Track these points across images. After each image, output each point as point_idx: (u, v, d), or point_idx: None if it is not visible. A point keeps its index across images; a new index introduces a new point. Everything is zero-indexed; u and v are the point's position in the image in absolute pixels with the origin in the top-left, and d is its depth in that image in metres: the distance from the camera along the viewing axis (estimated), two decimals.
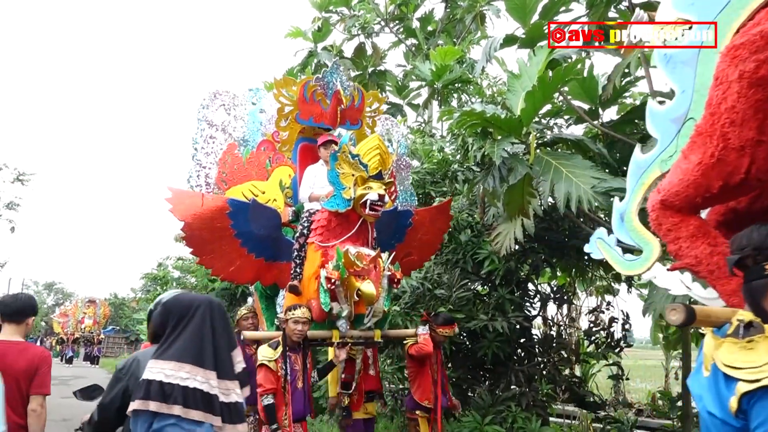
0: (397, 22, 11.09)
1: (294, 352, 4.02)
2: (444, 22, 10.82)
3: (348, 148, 4.12)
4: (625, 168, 5.39)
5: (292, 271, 4.39)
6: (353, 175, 4.11)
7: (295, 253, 4.41)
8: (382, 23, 11.06)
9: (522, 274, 6.68)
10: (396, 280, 4.19)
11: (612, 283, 7.56)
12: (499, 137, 4.49)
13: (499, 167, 4.29)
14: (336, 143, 4.66)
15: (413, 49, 10.84)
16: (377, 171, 4.13)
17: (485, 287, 6.62)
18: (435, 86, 8.02)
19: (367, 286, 3.89)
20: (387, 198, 4.23)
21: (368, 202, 4.07)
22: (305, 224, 4.44)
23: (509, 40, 5.21)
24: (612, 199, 4.45)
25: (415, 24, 10.94)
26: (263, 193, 4.85)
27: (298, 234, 4.44)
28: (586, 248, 2.71)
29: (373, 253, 4.02)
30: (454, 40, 10.25)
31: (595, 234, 2.62)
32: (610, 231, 5.47)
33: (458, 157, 6.66)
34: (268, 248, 4.48)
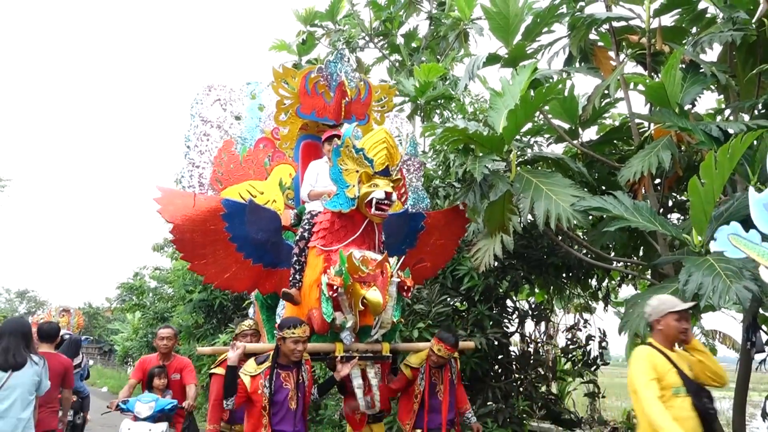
0: (381, 37, 11.16)
1: (285, 370, 3.61)
2: (428, 39, 10.92)
3: (351, 142, 3.79)
4: (603, 187, 5.48)
5: (290, 278, 4.07)
6: (357, 171, 3.79)
7: (295, 258, 4.08)
8: (367, 38, 11.12)
9: (501, 290, 6.70)
10: (406, 287, 3.79)
11: (589, 301, 7.62)
12: (481, 154, 4.51)
13: (481, 183, 4.31)
14: (323, 141, 4.40)
15: (397, 64, 10.90)
16: (384, 167, 3.82)
17: (464, 303, 6.62)
18: (418, 102, 8.05)
19: (373, 294, 3.53)
20: (395, 196, 3.89)
21: (374, 200, 3.75)
22: (306, 226, 4.12)
23: (492, 59, 5.26)
24: (590, 217, 4.54)
25: (399, 40, 11.01)
26: (262, 193, 4.60)
27: (298, 237, 4.11)
28: (713, 246, 2.55)
29: (379, 257, 3.68)
30: (438, 57, 10.34)
31: (725, 230, 2.48)
32: (587, 250, 5.46)
33: (440, 173, 6.69)
34: (266, 253, 4.16)
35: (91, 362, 5.61)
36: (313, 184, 4.34)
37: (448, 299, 6.26)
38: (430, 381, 4.22)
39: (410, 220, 4.59)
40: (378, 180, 3.77)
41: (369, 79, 4.90)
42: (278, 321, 4.18)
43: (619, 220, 3.75)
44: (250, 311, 5.49)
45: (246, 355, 4.24)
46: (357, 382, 3.94)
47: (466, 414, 4.45)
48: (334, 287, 3.58)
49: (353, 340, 3.83)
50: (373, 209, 3.76)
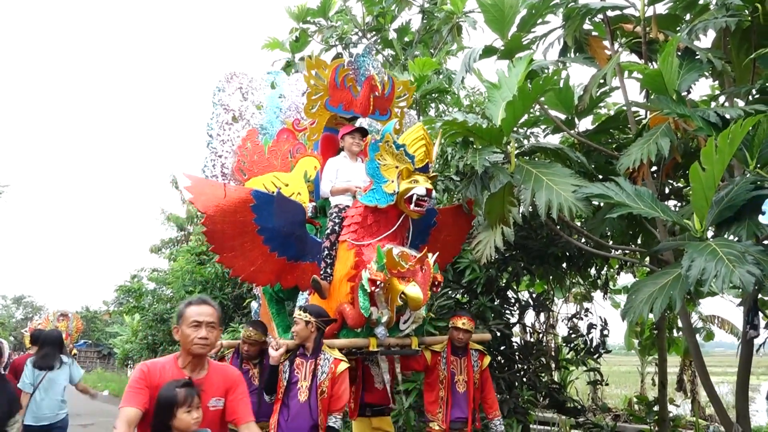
0: (374, 33, 11.15)
1: (302, 358, 3.64)
2: (421, 33, 10.91)
3: (392, 138, 3.81)
4: (601, 177, 5.50)
5: (321, 272, 4.06)
6: (397, 167, 3.81)
7: (326, 252, 4.07)
8: (360, 34, 11.10)
9: (502, 282, 6.73)
10: (436, 283, 3.83)
11: (590, 291, 7.66)
12: (480, 146, 4.52)
13: (481, 176, 4.31)
14: (361, 132, 4.37)
15: (390, 59, 10.89)
16: (424, 163, 3.85)
17: (465, 296, 6.65)
18: (413, 96, 8.08)
19: (413, 290, 3.53)
20: (434, 193, 3.97)
21: (414, 197, 3.77)
22: (336, 220, 4.13)
23: (488, 52, 5.26)
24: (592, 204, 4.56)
25: (392, 35, 11.01)
26: (287, 185, 4.53)
27: (329, 231, 4.11)
28: (763, 219, 2.62)
29: (417, 253, 3.70)
30: (431, 51, 10.33)
31: None
32: (587, 239, 5.48)
33: (437, 166, 6.69)
34: (291, 246, 4.14)
35: (80, 372, 5.59)
36: (333, 180, 4.33)
37: (450, 292, 6.28)
38: (450, 370, 4.24)
39: (424, 216, 4.56)
40: (418, 176, 3.81)
41: (393, 75, 4.92)
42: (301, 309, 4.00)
43: (621, 206, 3.76)
44: (254, 305, 5.45)
45: (246, 358, 4.27)
46: (385, 377, 4.04)
47: (494, 421, 4.36)
48: (377, 283, 3.57)
49: (387, 334, 3.85)
50: (412, 205, 3.79)
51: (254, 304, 5.46)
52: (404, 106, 4.98)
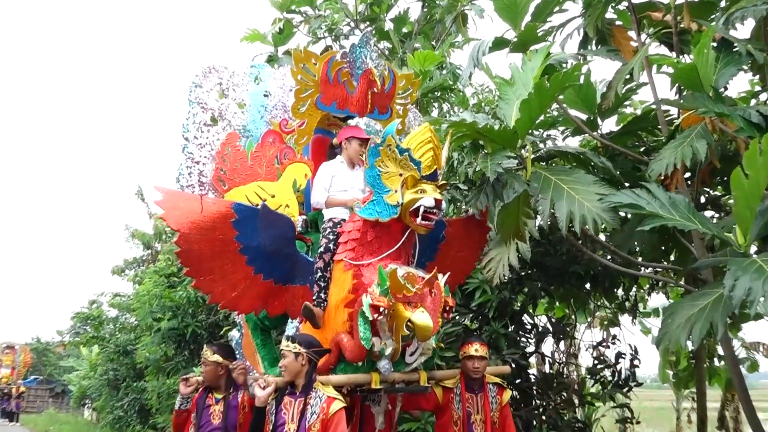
0: (368, 23, 11.22)
1: (291, 396, 3.63)
2: (421, 23, 10.99)
3: (394, 141, 3.76)
4: (627, 184, 5.54)
5: (314, 297, 4.00)
6: (401, 174, 3.76)
7: (319, 274, 4.01)
8: (352, 24, 11.17)
9: (516, 305, 6.72)
10: (448, 308, 3.75)
11: (617, 315, 7.67)
12: (491, 151, 4.55)
13: (493, 184, 4.33)
14: (361, 139, 4.32)
15: (387, 53, 10.96)
16: (432, 170, 3.81)
17: (475, 321, 6.64)
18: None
19: (421, 317, 3.48)
20: (444, 204, 3.88)
21: (421, 209, 3.72)
22: (330, 237, 4.07)
23: (499, 44, 5.33)
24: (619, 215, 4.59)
25: (389, 25, 11.07)
26: (273, 196, 4.47)
27: (322, 249, 4.05)
28: None
29: (425, 274, 3.64)
30: (433, 43, 10.41)
31: None
32: (613, 255, 5.50)
33: (444, 173, 6.73)
34: (279, 268, 4.08)
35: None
36: (327, 189, 4.30)
37: (458, 317, 6.27)
38: (465, 408, 4.20)
39: (431, 230, 4.50)
40: (425, 185, 3.76)
41: (393, 67, 4.83)
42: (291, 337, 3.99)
43: (653, 218, 3.79)
44: (234, 334, 5.40)
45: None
46: (378, 420, 3.98)
47: None
48: (381, 309, 3.50)
49: (391, 369, 3.77)
50: (419, 219, 3.73)
51: (235, 333, 5.41)
52: (408, 104, 4.96)
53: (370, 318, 3.55)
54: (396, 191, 3.78)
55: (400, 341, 3.65)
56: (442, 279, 3.72)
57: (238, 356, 4.80)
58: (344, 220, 4.16)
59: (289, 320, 4.46)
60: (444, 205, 3.88)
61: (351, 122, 4.69)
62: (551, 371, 7.20)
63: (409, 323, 3.50)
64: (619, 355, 7.12)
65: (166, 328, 10.37)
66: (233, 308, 4.18)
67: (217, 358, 4.32)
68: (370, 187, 3.93)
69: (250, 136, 5.16)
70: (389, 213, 3.80)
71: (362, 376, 3.82)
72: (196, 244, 3.76)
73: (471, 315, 6.47)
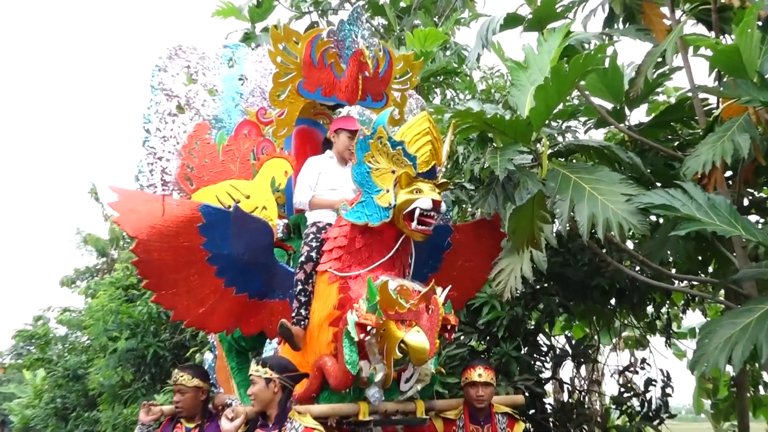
0: None
1: (264, 429, 3.61)
2: None
3: (386, 133, 3.74)
4: (659, 183, 5.55)
5: (294, 314, 4.01)
6: (393, 171, 3.78)
7: (299, 287, 4.03)
8: None
9: (530, 323, 6.73)
10: (449, 327, 3.75)
11: (645, 334, 7.67)
12: (502, 145, 4.55)
13: (504, 183, 4.34)
14: (350, 131, 4.32)
15: (382, 30, 10.96)
16: (429, 167, 3.81)
17: (482, 342, 6.63)
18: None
19: (415, 337, 3.46)
20: (444, 206, 3.90)
21: (417, 211, 3.72)
22: (313, 244, 4.08)
23: (511, 21, 5.34)
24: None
25: None
26: (248, 197, 4.41)
27: (304, 258, 4.05)
28: None
29: (422, 288, 3.65)
30: (435, 19, 10.43)
31: None
32: (642, 266, 5.51)
33: (446, 171, 6.73)
34: (254, 279, 4.07)
35: None
36: (312, 187, 4.31)
37: (462, 338, 6.27)
38: None
39: (434, 236, 4.39)
40: (421, 184, 3.75)
41: (389, 47, 4.82)
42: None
43: (689, 222, 3.79)
44: (207, 356, 5.38)
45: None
46: None
47: None
48: (368, 329, 3.50)
49: (382, 398, 3.77)
50: (414, 223, 3.73)
51: (208, 356, 5.41)
52: (407, 90, 4.96)
53: (356, 338, 3.55)
54: (388, 191, 3.78)
55: (393, 366, 3.64)
56: (441, 293, 3.71)
57: (211, 381, 4.80)
58: (330, 224, 4.16)
59: (267, 341, 4.45)
60: (444, 207, 3.90)
61: (344, 111, 4.70)
62: (570, 400, 7.20)
63: (402, 344, 3.49)
64: (649, 382, 7.13)
65: (124, 348, 10.35)
66: (201, 327, 4.19)
67: (198, 382, 4.30)
68: (358, 186, 3.93)
69: (223, 128, 5.15)
70: (380, 216, 3.81)
71: (348, 406, 3.82)
72: (156, 253, 3.75)
73: (477, 335, 6.47)
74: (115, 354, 10.52)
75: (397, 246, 3.90)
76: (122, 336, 10.49)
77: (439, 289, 3.71)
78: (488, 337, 6.45)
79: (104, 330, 10.96)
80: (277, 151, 4.76)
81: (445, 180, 4.01)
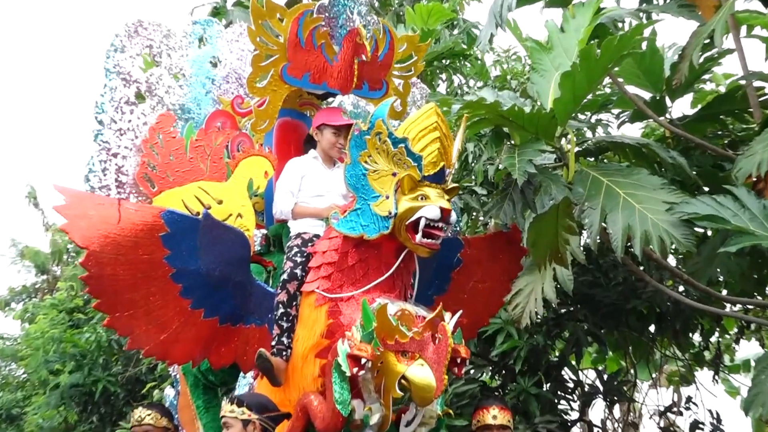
0: None
1: None
2: None
3: (385, 127, 3.72)
4: (706, 188, 5.58)
5: (274, 342, 4.00)
6: (394, 174, 3.78)
7: (281, 311, 4.02)
8: None
9: (554, 355, 6.73)
10: (459, 360, 3.69)
11: (693, 368, 7.68)
12: (521, 142, 4.57)
13: (523, 188, 4.35)
14: (335, 127, 4.35)
15: (376, 5, 11.01)
16: (438, 168, 3.80)
17: (497, 377, 6.64)
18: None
19: (419, 372, 3.43)
20: (454, 216, 3.85)
21: (422, 222, 3.70)
22: (297, 259, 4.10)
23: None
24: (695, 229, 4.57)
25: None
26: (220, 202, 4.43)
27: (286, 276, 4.07)
28: None
29: (427, 312, 3.63)
30: None
31: None
32: (687, 286, 5.51)
33: (454, 173, 6.75)
34: (226, 301, 4.02)
35: None
36: (295, 194, 4.33)
37: (473, 371, 6.28)
38: None
39: (441, 252, 4.31)
40: (428, 189, 3.76)
41: (390, 26, 4.83)
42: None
43: (742, 235, 3.81)
44: (168, 392, 5.37)
45: None
46: None
47: None
48: (362, 361, 3.46)
49: None
50: (419, 235, 3.72)
51: (169, 392, 5.41)
52: (410, 77, 4.98)
53: (348, 373, 3.53)
54: (387, 197, 3.78)
55: (391, 406, 3.63)
56: (450, 319, 3.68)
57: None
58: (318, 236, 4.17)
59: (241, 375, 4.47)
60: (454, 217, 3.85)
61: (335, 102, 4.70)
62: None
63: (403, 380, 3.47)
64: (696, 425, 7.15)
65: (67, 384, 10.31)
66: (162, 356, 4.16)
67: (167, 423, 4.39)
68: (352, 191, 3.92)
69: (191, 119, 5.16)
70: (378, 227, 3.80)
71: None
72: (111, 267, 3.72)
73: (491, 368, 6.48)
74: (57, 390, 10.47)
75: (397, 263, 3.90)
76: (66, 369, 10.44)
77: (447, 315, 3.66)
78: (503, 371, 6.46)
79: (44, 361, 10.91)
80: (256, 147, 4.76)
81: (455, 185, 4.01)
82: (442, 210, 3.71)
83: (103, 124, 4.79)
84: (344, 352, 3.53)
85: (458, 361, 3.70)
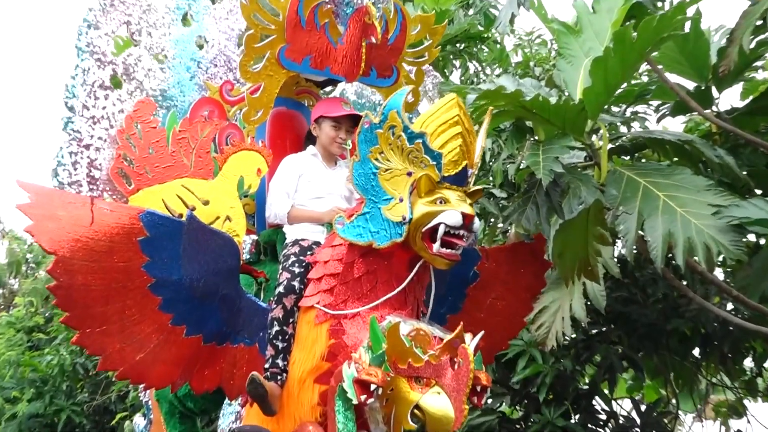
0: None
1: None
2: None
3: (400, 120, 3.72)
4: (759, 191, 5.57)
5: (267, 365, 4.00)
6: (410, 174, 3.76)
7: (276, 329, 4.01)
8: None
9: (583, 382, 6.73)
10: (480, 388, 3.64)
11: (744, 398, 7.68)
12: (546, 138, 4.58)
13: (548, 190, 4.35)
14: (335, 119, 4.38)
15: None
16: (459, 168, 3.82)
17: (518, 408, 6.64)
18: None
19: (435, 402, 3.40)
20: (477, 223, 3.83)
21: (441, 229, 3.69)
22: (295, 270, 4.10)
23: None
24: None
25: None
26: (206, 203, 4.40)
27: (282, 289, 4.06)
28: None
29: (443, 333, 3.64)
30: None
31: None
32: (737, 303, 5.57)
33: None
34: (212, 317, 4.00)
35: None
36: (291, 195, 4.36)
37: (491, 401, 6.28)
38: None
39: (456, 264, 4.29)
40: (448, 191, 3.75)
41: (401, 4, 4.80)
42: None
43: None
44: (138, 422, 5.36)
45: None
46: None
47: None
48: (371, 388, 3.44)
49: None
50: (437, 244, 3.72)
51: (139, 421, 5.39)
52: (424, 62, 5.00)
53: (355, 401, 3.51)
54: (401, 200, 3.78)
55: None
56: (471, 341, 3.64)
57: None
58: (318, 243, 4.19)
59: (226, 402, 4.49)
60: (477, 223, 3.84)
61: (337, 90, 4.71)
62: None
63: (416, 410, 3.46)
64: None
65: (26, 414, 10.32)
66: (138, 380, 4.14)
67: None
68: (360, 192, 3.92)
69: (173, 107, 5.17)
70: (390, 234, 3.80)
71: None
72: (82, 276, 3.68)
73: (511, 397, 6.48)
74: (14, 421, 10.47)
75: (411, 275, 3.90)
76: (24, 396, 10.45)
77: (468, 336, 3.61)
78: (526, 401, 6.46)
79: (0, 388, 10.95)
80: (248, 141, 4.75)
81: (478, 187, 3.99)
82: (464, 216, 3.69)
83: (73, 110, 4.79)
84: (350, 377, 3.49)
85: (479, 389, 3.66)
